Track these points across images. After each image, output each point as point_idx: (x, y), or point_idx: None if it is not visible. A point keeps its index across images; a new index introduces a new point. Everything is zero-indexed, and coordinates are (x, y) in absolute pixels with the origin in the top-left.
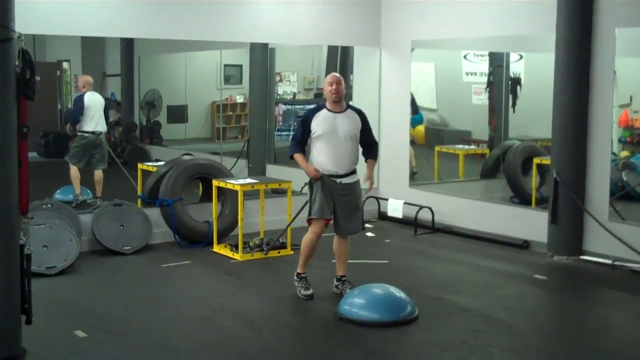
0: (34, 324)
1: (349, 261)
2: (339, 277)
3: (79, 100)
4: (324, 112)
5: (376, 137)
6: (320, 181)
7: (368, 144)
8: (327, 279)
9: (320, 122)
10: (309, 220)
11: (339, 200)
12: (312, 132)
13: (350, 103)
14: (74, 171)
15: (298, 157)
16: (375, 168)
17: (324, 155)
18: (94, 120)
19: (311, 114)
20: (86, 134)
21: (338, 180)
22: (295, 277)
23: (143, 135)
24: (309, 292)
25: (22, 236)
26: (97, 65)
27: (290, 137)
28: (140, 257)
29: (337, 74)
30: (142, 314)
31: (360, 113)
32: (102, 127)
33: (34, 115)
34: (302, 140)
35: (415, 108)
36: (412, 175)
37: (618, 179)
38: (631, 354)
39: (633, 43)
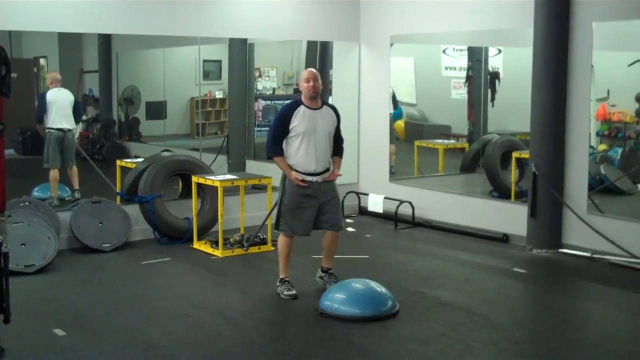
0: (13, 323)
1: None
2: (325, 269)
3: (41, 98)
4: (302, 109)
5: (356, 133)
6: (295, 192)
7: (336, 141)
8: (306, 274)
9: (300, 120)
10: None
11: (320, 202)
12: (291, 129)
13: (330, 100)
14: (54, 173)
15: (279, 160)
16: (355, 163)
17: (303, 152)
18: (59, 117)
19: (289, 111)
20: (52, 131)
21: (315, 179)
22: (278, 283)
23: (122, 131)
24: (292, 292)
25: None
26: (75, 62)
27: (268, 136)
28: (119, 255)
29: (314, 70)
30: (122, 312)
31: (334, 110)
32: (69, 124)
33: (11, 113)
34: (281, 139)
35: (395, 103)
36: (390, 172)
37: (596, 172)
38: (611, 346)
39: (610, 37)
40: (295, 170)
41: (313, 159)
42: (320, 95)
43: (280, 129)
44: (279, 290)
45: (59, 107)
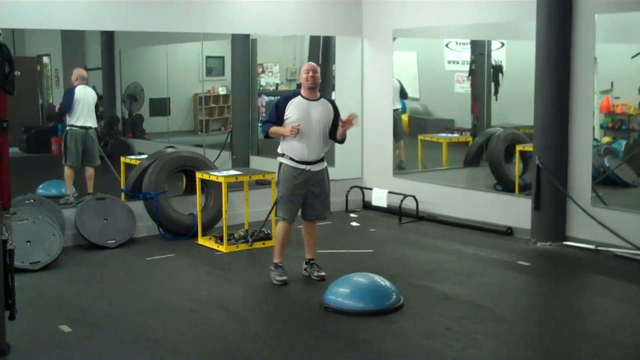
0: (18, 320)
1: (334, 251)
2: (307, 260)
3: (69, 93)
4: (298, 99)
5: (359, 127)
6: (290, 180)
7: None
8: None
9: (294, 109)
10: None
11: (309, 191)
12: (286, 117)
13: (333, 95)
14: (69, 170)
15: (272, 128)
16: (359, 157)
17: (297, 140)
18: (84, 115)
19: (285, 100)
20: (75, 129)
21: (308, 167)
22: (272, 267)
23: (125, 128)
24: (284, 277)
25: (5, 231)
26: (78, 59)
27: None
28: (124, 251)
29: (314, 63)
30: (127, 307)
31: (332, 103)
32: (92, 122)
33: (16, 111)
34: (273, 122)
35: (404, 94)
36: (399, 167)
37: (600, 164)
38: (615, 338)
39: (613, 29)
40: (290, 159)
41: (305, 147)
42: (323, 89)
43: (274, 114)
44: (272, 276)
45: (85, 105)
